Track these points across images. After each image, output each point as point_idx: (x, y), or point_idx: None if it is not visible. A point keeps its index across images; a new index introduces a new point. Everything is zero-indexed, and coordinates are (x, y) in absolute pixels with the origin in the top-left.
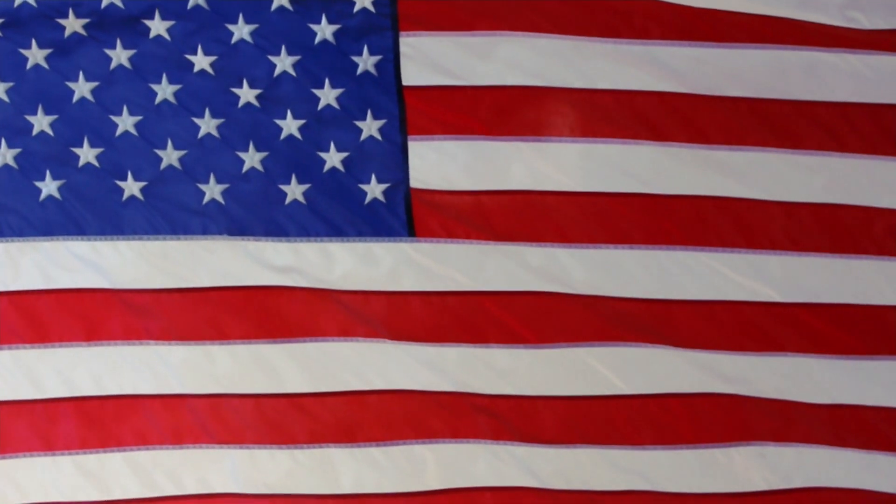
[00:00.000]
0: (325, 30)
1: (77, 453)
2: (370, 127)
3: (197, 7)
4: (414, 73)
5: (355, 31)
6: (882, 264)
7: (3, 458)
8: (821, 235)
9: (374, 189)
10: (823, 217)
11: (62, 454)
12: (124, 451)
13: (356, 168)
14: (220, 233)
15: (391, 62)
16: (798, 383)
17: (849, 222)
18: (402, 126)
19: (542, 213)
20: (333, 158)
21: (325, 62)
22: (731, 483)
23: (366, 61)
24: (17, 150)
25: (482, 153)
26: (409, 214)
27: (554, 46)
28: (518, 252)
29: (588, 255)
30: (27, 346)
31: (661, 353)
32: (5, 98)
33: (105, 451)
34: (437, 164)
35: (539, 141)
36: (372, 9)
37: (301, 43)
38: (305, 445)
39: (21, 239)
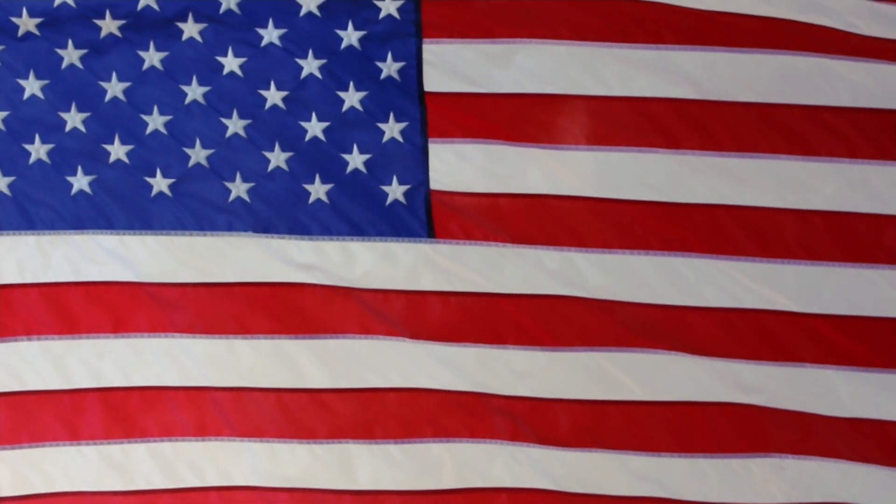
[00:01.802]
0: (351, 35)
1: (102, 443)
2: (392, 129)
3: (229, 11)
4: (435, 80)
5: (380, 38)
6: (894, 274)
7: (30, 446)
8: (834, 244)
9: (396, 190)
10: (836, 225)
11: (87, 444)
12: (148, 441)
13: (378, 169)
14: (245, 230)
15: (414, 68)
16: (817, 395)
17: (861, 230)
18: (423, 129)
19: (559, 217)
20: (356, 160)
21: (350, 66)
22: (748, 494)
23: (389, 67)
24: (51, 146)
25: (500, 157)
26: (429, 216)
27: (570, 53)
28: (535, 255)
29: (604, 260)
30: (56, 336)
31: (679, 361)
32: (40, 95)
33: (129, 442)
34: (457, 166)
35: (555, 148)
36: (397, 16)
37: (327, 48)
38: (324, 441)
39: (52, 232)
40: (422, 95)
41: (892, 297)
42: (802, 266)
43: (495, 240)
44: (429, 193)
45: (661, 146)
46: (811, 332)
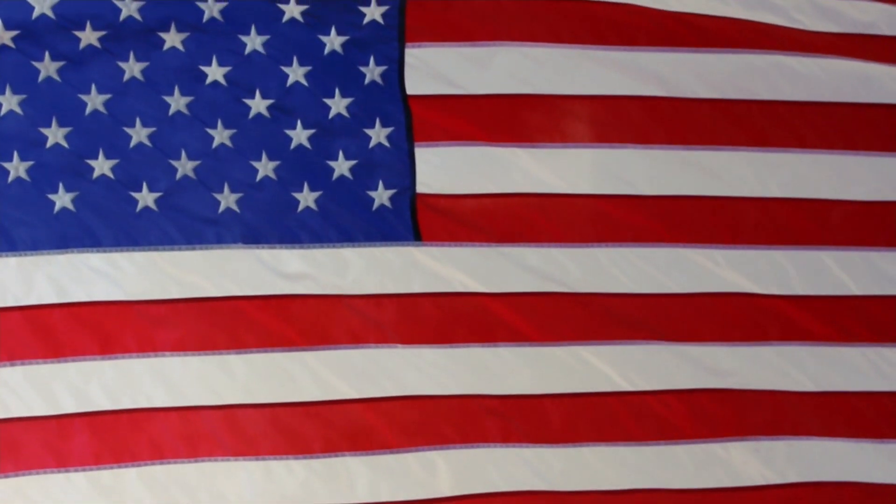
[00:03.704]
0: (334, 41)
1: (91, 469)
2: (379, 134)
3: (212, 19)
4: (417, 83)
5: (363, 43)
6: (840, 255)
7: (17, 475)
8: (787, 229)
9: (382, 195)
10: (788, 210)
11: (76, 470)
12: (139, 465)
13: (364, 175)
14: (234, 241)
15: (396, 72)
16: (785, 372)
17: (810, 214)
18: (408, 133)
19: (540, 214)
20: (342, 166)
21: (334, 72)
22: (731, 478)
23: (372, 71)
24: (30, 163)
25: (483, 158)
26: (415, 219)
27: (547, 55)
28: (519, 253)
29: (582, 254)
30: (40, 361)
31: (656, 350)
32: (18, 111)
33: (119, 467)
34: (442, 169)
35: (533, 147)
36: (381, 21)
37: (312, 54)
38: (321, 455)
39: (34, 252)
40: (405, 99)
41: (838, 276)
42: (762, 251)
43: (480, 240)
44: (414, 197)
45: (631, 142)
46: (774, 311)
